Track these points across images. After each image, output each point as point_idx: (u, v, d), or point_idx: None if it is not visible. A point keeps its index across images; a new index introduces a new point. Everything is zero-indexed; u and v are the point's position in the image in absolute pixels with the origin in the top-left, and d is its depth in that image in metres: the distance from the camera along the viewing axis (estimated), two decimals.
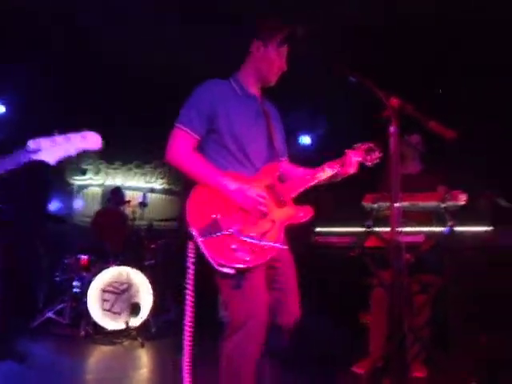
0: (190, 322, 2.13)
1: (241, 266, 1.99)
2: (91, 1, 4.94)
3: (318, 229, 3.36)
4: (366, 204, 3.32)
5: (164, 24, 5.11)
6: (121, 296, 4.94)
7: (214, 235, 1.98)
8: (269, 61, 2.25)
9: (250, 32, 2.33)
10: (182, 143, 2.14)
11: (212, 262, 1.96)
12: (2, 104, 6.37)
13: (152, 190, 7.19)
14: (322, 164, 2.38)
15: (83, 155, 7.11)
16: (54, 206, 6.94)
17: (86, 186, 7.21)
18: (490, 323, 3.27)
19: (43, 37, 5.44)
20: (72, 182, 7.11)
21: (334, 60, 2.23)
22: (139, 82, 6.26)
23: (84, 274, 5.26)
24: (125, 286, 4.94)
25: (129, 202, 5.78)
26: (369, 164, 2.50)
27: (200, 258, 2.04)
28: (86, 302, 4.79)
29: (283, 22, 2.28)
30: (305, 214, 2.23)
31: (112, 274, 4.98)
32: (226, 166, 2.17)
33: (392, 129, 1.81)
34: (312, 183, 2.31)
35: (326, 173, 2.35)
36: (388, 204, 3.09)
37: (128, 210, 5.77)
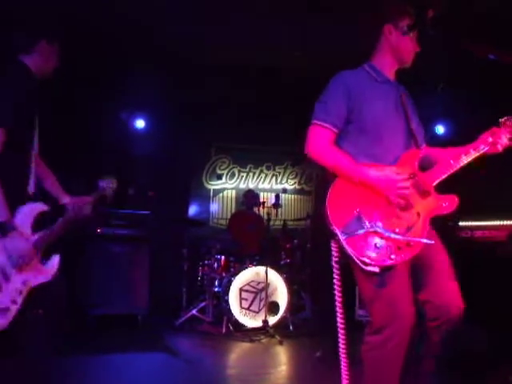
0: (341, 322, 2.07)
1: (387, 263, 1.90)
2: None
3: (462, 223, 3.12)
4: None
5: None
6: (258, 295, 5.06)
7: (358, 233, 1.91)
8: (403, 42, 2.20)
9: (375, 18, 2.31)
10: (320, 139, 2.12)
11: (356, 260, 1.89)
12: (142, 118, 6.78)
13: (284, 191, 7.29)
14: (465, 145, 2.20)
15: (219, 161, 7.44)
16: (192, 210, 7.34)
17: (221, 190, 7.52)
18: None
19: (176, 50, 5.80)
20: (208, 186, 7.46)
21: (470, 41, 2.07)
22: (266, 88, 6.40)
23: (223, 274, 5.48)
24: (262, 285, 5.05)
25: (263, 203, 5.91)
26: None
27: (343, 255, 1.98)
28: (226, 301, 4.98)
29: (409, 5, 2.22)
30: (450, 204, 2.06)
31: (250, 273, 5.12)
32: (367, 154, 2.11)
33: None
34: (455, 169, 2.13)
35: (470, 155, 2.16)
36: None
37: (262, 212, 5.91)
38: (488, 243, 3.11)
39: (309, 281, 5.85)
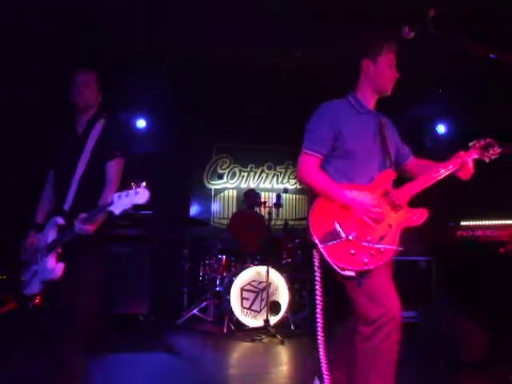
0: (321, 322, 2.31)
1: (361, 268, 2.16)
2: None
3: (463, 222, 3.13)
4: None
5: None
6: (259, 294, 5.07)
7: (334, 242, 2.16)
8: (381, 75, 2.42)
9: (358, 52, 2.51)
10: (307, 166, 2.38)
11: (334, 266, 2.15)
12: (143, 118, 6.84)
13: (285, 191, 7.31)
14: (438, 164, 2.44)
15: (220, 161, 7.46)
16: (194, 209, 7.36)
17: (222, 190, 7.53)
18: None
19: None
20: (210, 186, 7.48)
21: (470, 41, 2.12)
22: (266, 88, 6.40)
23: (225, 273, 5.49)
24: (263, 285, 5.06)
25: (264, 203, 5.92)
26: (486, 160, 2.47)
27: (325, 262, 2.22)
28: (228, 300, 4.99)
29: (381, 35, 2.45)
30: (419, 216, 2.30)
31: (251, 273, 5.13)
32: (347, 177, 2.36)
33: None
34: (426, 186, 2.39)
35: (440, 174, 2.40)
36: None
37: (263, 211, 5.91)
38: (489, 243, 3.11)
39: (310, 280, 5.86)
